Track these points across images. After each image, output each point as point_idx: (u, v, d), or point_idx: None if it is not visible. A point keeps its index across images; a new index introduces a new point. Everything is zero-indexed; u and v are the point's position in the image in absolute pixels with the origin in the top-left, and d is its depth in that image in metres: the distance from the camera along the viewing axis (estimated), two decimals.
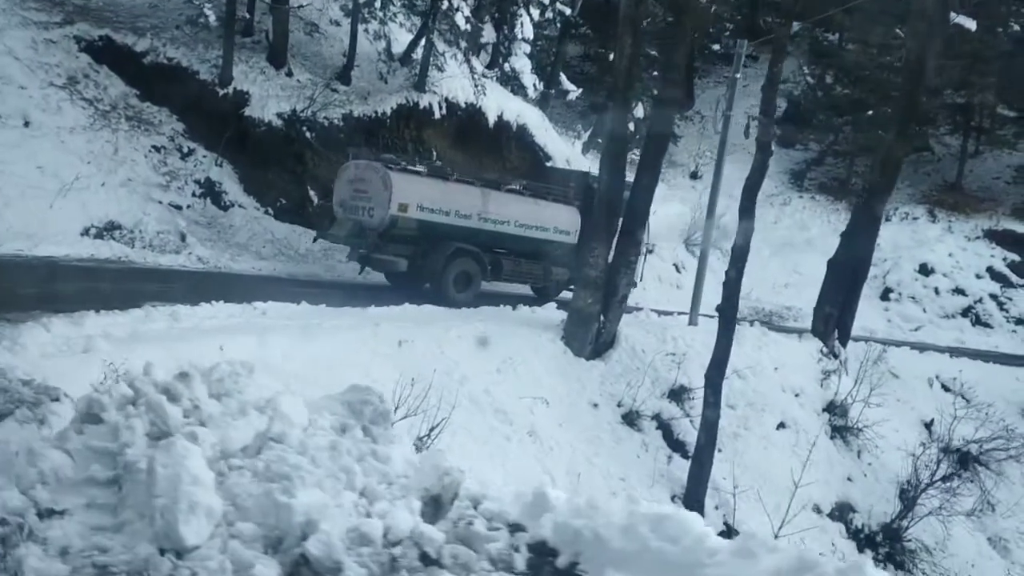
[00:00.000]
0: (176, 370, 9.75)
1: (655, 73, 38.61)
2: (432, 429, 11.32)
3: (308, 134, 20.69)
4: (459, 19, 21.55)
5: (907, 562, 14.85)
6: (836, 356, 18.34)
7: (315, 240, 18.49)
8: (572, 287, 17.84)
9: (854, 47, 37.04)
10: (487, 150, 25.14)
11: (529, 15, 26.55)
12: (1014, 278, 30.37)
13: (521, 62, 26.59)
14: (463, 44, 22.13)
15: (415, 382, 12.14)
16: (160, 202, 18.60)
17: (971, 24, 20.87)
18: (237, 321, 12.16)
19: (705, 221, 18.28)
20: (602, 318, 15.04)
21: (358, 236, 17.03)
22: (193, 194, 19.52)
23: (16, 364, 7.51)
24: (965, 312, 29.59)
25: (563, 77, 31.08)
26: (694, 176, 37.08)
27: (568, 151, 28.03)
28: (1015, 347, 28.30)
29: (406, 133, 22.92)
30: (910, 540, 14.97)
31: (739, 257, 12.52)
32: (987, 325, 29.39)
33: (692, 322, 17.61)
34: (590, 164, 30.67)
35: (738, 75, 18.07)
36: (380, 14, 20.83)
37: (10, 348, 7.81)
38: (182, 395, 3.72)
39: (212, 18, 18.76)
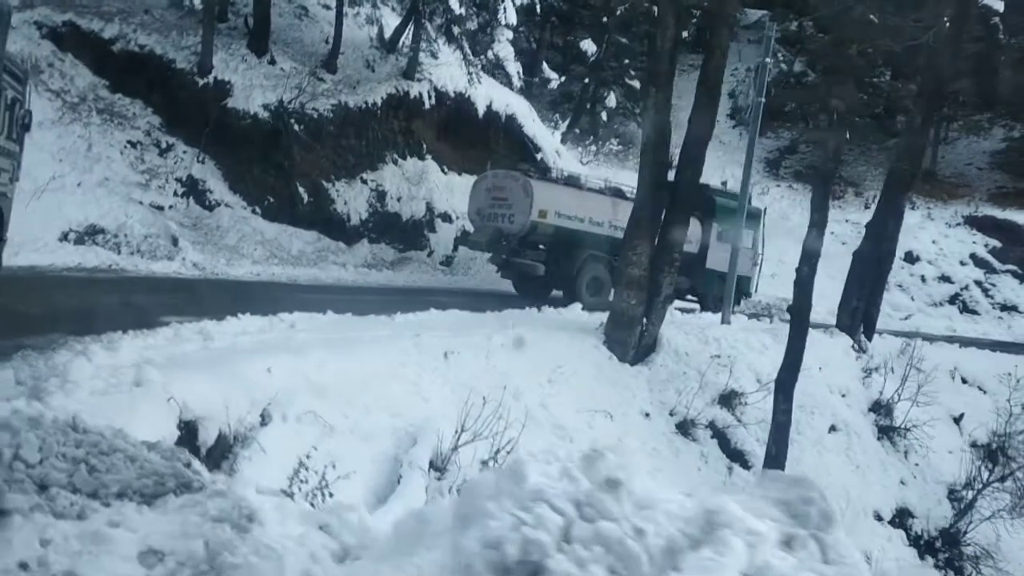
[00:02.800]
0: (242, 404, 8.48)
1: (626, 62, 37.92)
2: (497, 452, 10.24)
3: (296, 127, 19.22)
4: (453, 2, 20.22)
5: (967, 567, 14.19)
6: (864, 351, 17.67)
7: (455, 248, 20.07)
8: (690, 295, 20.09)
9: (826, 36, 36.63)
10: (475, 141, 23.97)
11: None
12: (996, 264, 30.34)
13: (505, 49, 25.36)
14: (456, 29, 20.82)
15: (469, 397, 11.19)
16: (141, 202, 17.01)
17: (999, 4, 20.37)
18: (270, 336, 10.85)
19: (736, 214, 17.41)
20: (644, 320, 14.01)
21: (498, 242, 17.95)
22: (175, 193, 17.98)
23: (79, 408, 6.17)
24: (952, 299, 29.44)
25: (544, 65, 29.92)
26: (669, 166, 36.25)
27: (554, 142, 26.99)
28: (1003, 333, 28.24)
29: (395, 124, 21.62)
30: (969, 544, 14.30)
31: (811, 253, 11.63)
32: (974, 312, 29.27)
33: (725, 320, 16.72)
34: (568, 153, 29.70)
35: (768, 59, 17.15)
36: None
37: (61, 386, 6.46)
38: (614, 514, 2.50)
39: (198, 0, 17.12)
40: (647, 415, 13.20)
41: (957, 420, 18.02)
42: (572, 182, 18.88)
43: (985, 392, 19.75)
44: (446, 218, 21.81)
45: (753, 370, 14.59)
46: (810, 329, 17.95)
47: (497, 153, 24.37)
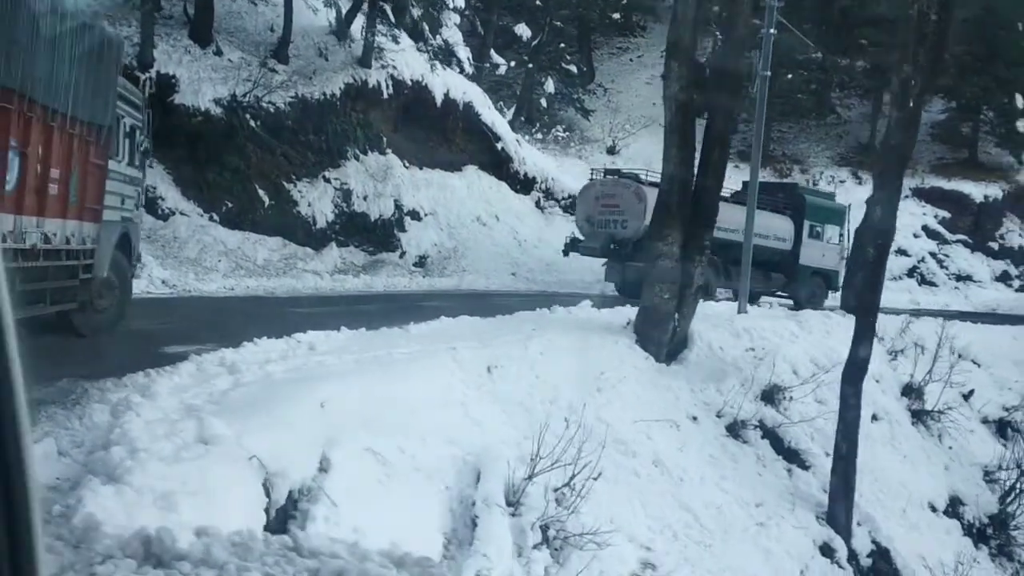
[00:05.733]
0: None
1: (562, 45, 36.83)
2: (572, 478, 9.03)
3: (252, 123, 17.42)
4: None
5: (1018, 552, 13.61)
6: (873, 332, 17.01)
7: (566, 254, 19.88)
8: (782, 292, 20.81)
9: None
10: (433, 131, 22.52)
11: None
12: (947, 235, 30.53)
13: (455, 35, 23.88)
14: (416, 11, 19.30)
15: (523, 415, 9.95)
16: None
17: None
18: (297, 362, 9.38)
19: (748, 194, 16.53)
20: (676, 315, 12.92)
21: (611, 247, 18.64)
22: None
23: (165, 485, 4.67)
24: (911, 272, 29.42)
25: (492, 51, 28.48)
26: (611, 151, 35.36)
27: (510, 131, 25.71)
28: (962, 303, 28.34)
29: (353, 116, 19.96)
30: (1019, 528, 13.71)
31: (880, 235, 10.69)
32: (932, 284, 29.36)
33: (742, 310, 15.80)
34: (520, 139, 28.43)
35: (772, 31, 16.27)
36: None
37: (131, 456, 4.91)
38: None
39: None
40: (694, 419, 12.13)
41: (966, 397, 17.55)
42: None
43: (979, 365, 19.42)
44: (415, 216, 20.31)
45: (788, 361, 13.71)
46: (814, 312, 17.33)
47: (457, 143, 23.02)
